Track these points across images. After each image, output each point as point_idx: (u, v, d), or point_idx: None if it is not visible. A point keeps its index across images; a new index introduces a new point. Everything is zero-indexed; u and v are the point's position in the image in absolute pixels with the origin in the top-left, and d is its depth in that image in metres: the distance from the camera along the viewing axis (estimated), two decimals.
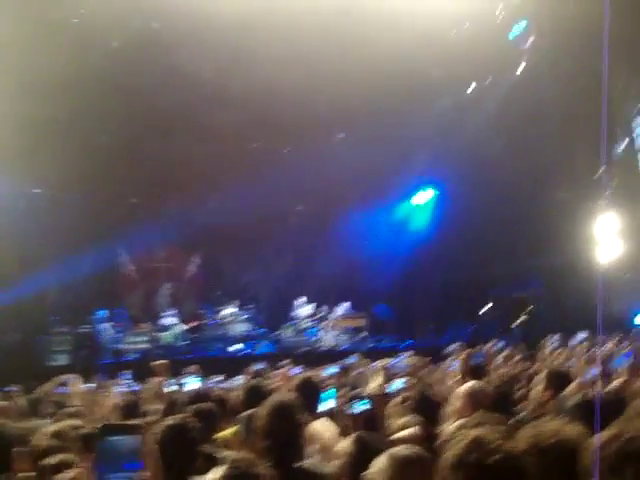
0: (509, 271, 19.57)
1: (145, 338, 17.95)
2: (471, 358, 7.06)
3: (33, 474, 4.06)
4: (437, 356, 10.20)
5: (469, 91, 18.38)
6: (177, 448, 3.71)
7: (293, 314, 19.44)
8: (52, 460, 4.03)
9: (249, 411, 4.74)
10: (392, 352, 11.20)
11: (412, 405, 5.47)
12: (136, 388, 8.83)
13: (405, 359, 8.64)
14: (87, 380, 9.67)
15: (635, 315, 16.10)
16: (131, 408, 6.44)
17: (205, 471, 3.12)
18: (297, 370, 8.86)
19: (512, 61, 17.21)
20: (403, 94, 16.59)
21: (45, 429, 4.90)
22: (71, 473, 3.79)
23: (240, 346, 18.27)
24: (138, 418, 5.62)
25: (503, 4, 16.03)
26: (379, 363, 5.58)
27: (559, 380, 5.52)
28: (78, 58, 14.52)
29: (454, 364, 7.38)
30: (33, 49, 13.82)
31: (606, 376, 5.30)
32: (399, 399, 6.11)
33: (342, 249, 19.90)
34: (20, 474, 4.09)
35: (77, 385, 9.01)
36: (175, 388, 7.47)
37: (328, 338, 18.72)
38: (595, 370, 5.40)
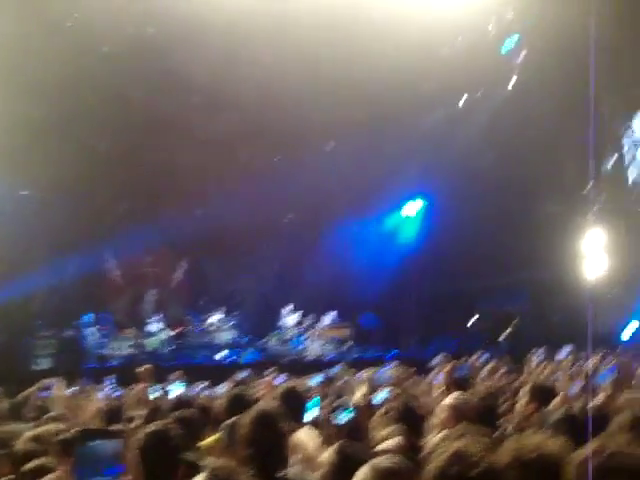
0: (496, 284, 19.62)
1: (130, 343, 17.88)
2: (456, 370, 7.06)
3: (13, 477, 4.03)
4: (422, 367, 10.20)
5: (460, 104, 18.46)
6: (159, 455, 3.67)
7: (279, 323, 19.40)
8: (31, 464, 4.00)
9: (232, 419, 4.71)
10: (377, 362, 11.16)
11: (396, 416, 5.46)
12: (119, 393, 8.78)
13: (390, 370, 8.62)
14: (71, 384, 9.62)
15: (622, 331, 16.17)
16: (114, 413, 6.40)
17: (187, 479, 3.11)
18: (281, 379, 8.82)
19: (504, 75, 17.30)
20: (395, 105, 16.66)
21: (25, 433, 4.86)
22: (50, 477, 3.77)
23: (225, 353, 18.21)
24: (121, 424, 5.59)
25: (496, 19, 16.12)
26: (364, 373, 5.58)
27: (543, 394, 5.52)
28: (72, 62, 14.49)
29: (439, 376, 7.38)
30: (26, 52, 13.80)
31: (590, 391, 5.30)
32: (383, 410, 6.11)
33: (330, 258, 19.90)
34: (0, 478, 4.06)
35: (60, 389, 8.96)
36: (159, 394, 7.43)
37: (314, 347, 18.68)
38: (579, 385, 5.41)
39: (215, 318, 19.12)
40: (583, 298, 15.09)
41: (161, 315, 19.13)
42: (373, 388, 5.34)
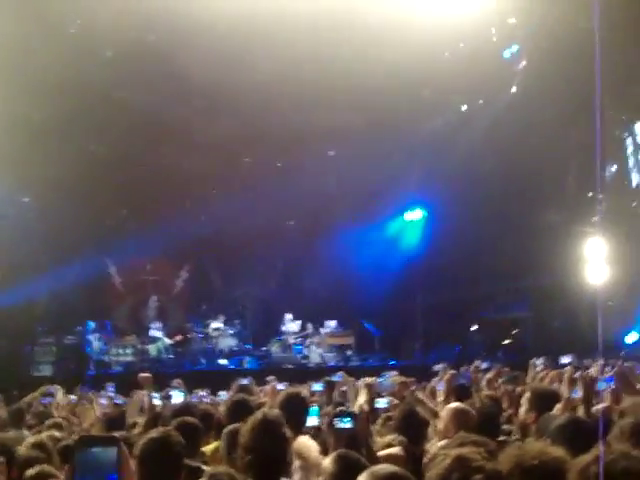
0: (497, 292, 19.62)
1: (130, 350, 17.87)
2: (456, 379, 7.06)
3: None
4: (424, 375, 10.19)
5: (462, 110, 18.48)
6: (160, 461, 3.68)
7: (281, 329, 19.38)
8: (33, 471, 4.01)
9: (233, 426, 4.71)
10: (378, 370, 11.16)
11: (396, 424, 5.47)
12: (119, 401, 8.78)
13: (390, 378, 8.62)
14: (71, 391, 9.63)
15: (624, 338, 16.15)
16: (115, 420, 6.40)
17: None
18: (282, 386, 8.82)
19: (505, 81, 17.32)
20: (397, 111, 16.69)
21: (27, 440, 4.87)
22: None
23: (225, 362, 18.20)
24: (121, 430, 5.59)
25: (497, 24, 16.14)
26: (364, 381, 5.57)
27: (544, 401, 5.51)
28: (72, 68, 14.52)
29: (439, 385, 7.38)
30: (26, 55, 13.83)
31: (589, 399, 5.30)
32: (383, 418, 6.11)
33: (331, 265, 19.89)
34: None
35: (60, 396, 8.97)
36: (159, 401, 7.43)
37: (314, 355, 18.68)
38: (578, 393, 5.41)
39: (215, 325, 19.11)
40: (585, 305, 15.16)
41: (162, 322, 19.14)
42: (373, 396, 5.33)
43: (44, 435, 5.32)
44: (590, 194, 16.76)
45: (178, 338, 19.05)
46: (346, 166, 18.17)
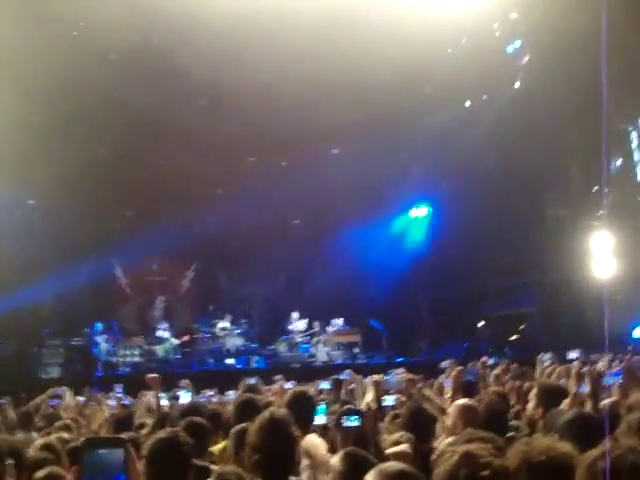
0: (503, 288, 19.59)
1: (138, 351, 17.92)
2: (463, 375, 7.05)
3: None
4: (430, 373, 10.18)
5: (466, 106, 18.45)
6: (168, 461, 3.68)
7: (288, 328, 19.40)
8: (42, 472, 4.02)
9: (241, 425, 4.72)
10: (385, 368, 11.16)
11: (403, 422, 5.46)
12: (127, 402, 8.80)
13: (397, 376, 8.61)
14: (79, 393, 9.65)
15: (631, 332, 16.11)
16: (122, 421, 6.42)
17: None
18: (289, 385, 8.84)
19: (509, 76, 17.28)
20: (400, 108, 16.67)
21: (36, 441, 4.88)
22: None
23: (232, 361, 18.22)
24: (129, 431, 5.60)
25: (500, 20, 16.11)
26: (371, 379, 5.56)
27: (550, 397, 5.51)
28: (74, 69, 14.53)
29: (447, 381, 7.38)
30: (29, 62, 13.85)
31: (597, 395, 5.30)
32: (390, 416, 6.11)
33: (337, 263, 19.88)
34: None
35: (69, 398, 8.99)
36: (167, 402, 7.45)
37: (321, 353, 18.69)
38: (585, 388, 5.40)
39: (222, 325, 19.14)
40: (592, 299, 15.13)
41: (169, 323, 19.18)
42: (380, 394, 5.33)
43: (53, 437, 5.33)
44: (596, 188, 16.72)
45: (185, 338, 19.08)
46: (350, 164, 18.15)
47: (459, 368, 7.17)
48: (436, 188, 20.52)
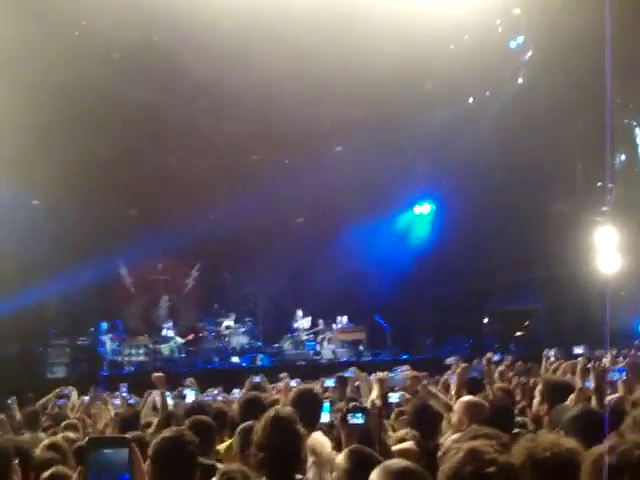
0: (508, 284, 19.56)
1: (143, 350, 17.96)
2: (468, 372, 7.04)
3: None
4: (435, 370, 10.18)
5: (469, 102, 18.43)
6: (174, 460, 3.68)
7: (293, 326, 19.41)
8: (49, 472, 4.03)
9: (246, 423, 4.72)
10: (390, 365, 11.16)
11: (408, 419, 5.47)
12: (132, 401, 8.81)
13: (402, 373, 8.62)
14: (84, 393, 9.67)
15: (636, 327, 16.08)
16: (128, 421, 6.42)
17: None
18: (294, 383, 8.84)
19: (512, 72, 17.26)
20: (403, 104, 16.65)
21: (43, 441, 4.90)
22: None
23: (237, 360, 18.25)
24: (135, 430, 5.61)
25: (502, 15, 16.08)
26: (376, 376, 5.57)
27: (555, 393, 5.51)
28: (76, 68, 14.55)
29: (452, 378, 7.37)
30: (31, 61, 13.87)
31: (602, 391, 5.29)
32: (395, 413, 6.11)
33: (341, 261, 19.88)
34: None
35: (75, 398, 9.01)
36: (172, 401, 7.46)
37: (326, 351, 18.70)
38: (590, 384, 5.39)
39: (227, 324, 19.16)
40: (596, 295, 15.12)
41: (173, 321, 19.21)
42: (386, 390, 5.33)
43: (59, 436, 5.35)
44: (600, 183, 16.69)
45: (190, 337, 19.11)
46: (354, 161, 18.14)
47: (464, 365, 7.17)
48: (439, 185, 20.50)
